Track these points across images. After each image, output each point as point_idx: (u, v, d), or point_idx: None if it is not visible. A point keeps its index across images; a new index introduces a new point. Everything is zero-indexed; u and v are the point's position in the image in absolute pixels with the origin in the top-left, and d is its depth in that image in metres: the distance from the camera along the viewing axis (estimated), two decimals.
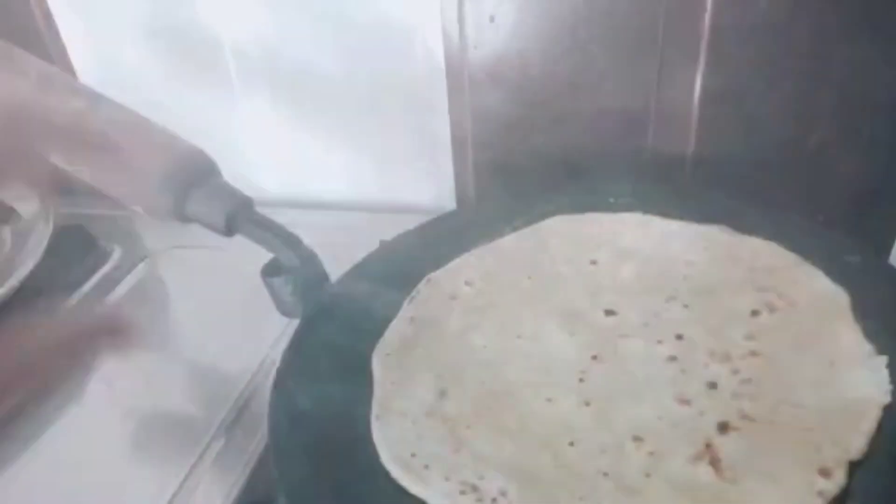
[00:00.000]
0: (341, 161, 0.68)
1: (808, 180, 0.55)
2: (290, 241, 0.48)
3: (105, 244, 0.71)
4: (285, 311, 0.50)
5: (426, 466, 0.38)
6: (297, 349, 0.46)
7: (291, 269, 0.49)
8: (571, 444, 0.39)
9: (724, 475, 0.36)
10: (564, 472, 0.38)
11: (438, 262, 0.53)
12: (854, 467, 0.35)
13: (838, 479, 0.34)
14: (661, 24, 0.52)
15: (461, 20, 0.53)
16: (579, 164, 0.48)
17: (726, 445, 0.37)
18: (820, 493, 0.34)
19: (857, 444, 0.35)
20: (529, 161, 0.50)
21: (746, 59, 0.52)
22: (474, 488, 0.37)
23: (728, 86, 0.53)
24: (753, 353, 0.42)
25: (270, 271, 0.49)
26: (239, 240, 0.48)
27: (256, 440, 0.49)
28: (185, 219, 0.48)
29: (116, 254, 0.70)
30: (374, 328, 0.48)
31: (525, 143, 0.54)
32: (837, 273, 0.45)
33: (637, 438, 0.39)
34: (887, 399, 0.37)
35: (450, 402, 0.43)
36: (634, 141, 0.50)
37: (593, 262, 0.52)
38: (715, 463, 0.36)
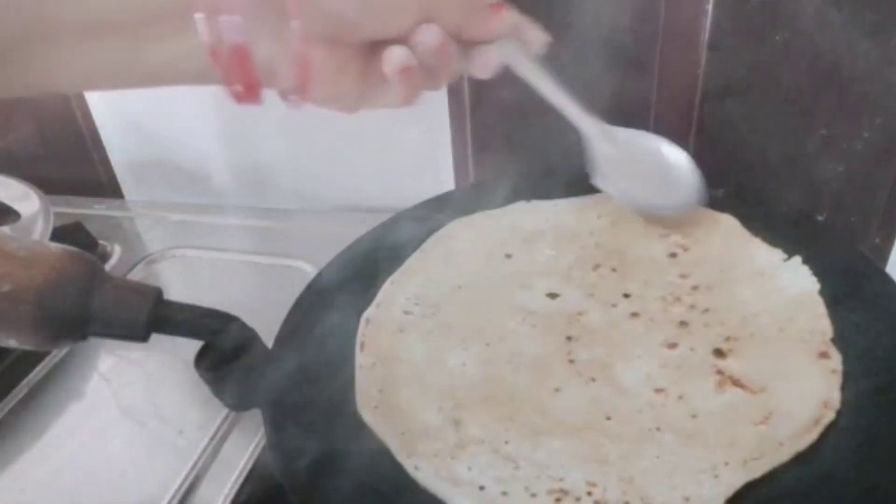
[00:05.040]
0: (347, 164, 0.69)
1: (809, 180, 0.58)
2: (219, 326, 0.41)
3: (105, 244, 0.72)
4: (233, 406, 0.42)
5: (504, 493, 0.36)
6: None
7: (225, 355, 0.41)
8: (608, 418, 0.40)
9: (751, 389, 0.40)
10: (624, 444, 0.38)
11: (365, 296, 0.50)
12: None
13: (837, 356, 0.40)
14: (661, 24, 0.53)
15: None
16: (580, 164, 0.48)
17: (732, 366, 0.41)
18: (833, 371, 0.39)
19: (826, 325, 0.42)
20: (530, 161, 0.49)
21: (746, 59, 0.54)
22: (564, 492, 0.36)
23: (728, 86, 0.55)
24: (695, 288, 0.48)
25: (204, 362, 0.41)
26: (237, 240, 0.52)
27: (256, 440, 0.50)
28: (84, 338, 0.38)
29: (116, 254, 0.71)
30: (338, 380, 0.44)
31: (525, 144, 0.53)
32: (715, 205, 0.53)
33: (658, 390, 0.41)
34: (818, 286, 0.45)
35: (471, 428, 0.40)
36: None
37: (508, 256, 0.53)
38: (737, 382, 0.40)
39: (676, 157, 0.48)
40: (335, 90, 0.37)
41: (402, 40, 0.36)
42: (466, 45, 0.38)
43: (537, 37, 0.41)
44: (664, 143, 0.48)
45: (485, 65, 0.39)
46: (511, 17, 0.40)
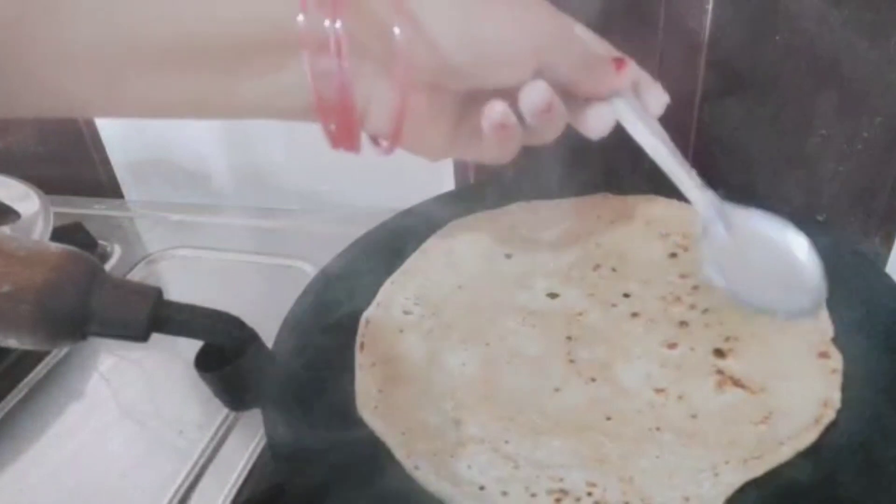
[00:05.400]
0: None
1: (808, 180, 0.57)
2: (219, 326, 0.41)
3: (105, 244, 0.72)
4: (232, 406, 0.42)
5: (504, 493, 0.36)
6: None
7: (225, 355, 0.41)
8: (609, 418, 0.40)
9: (751, 389, 0.40)
10: (624, 444, 0.38)
11: (365, 297, 0.50)
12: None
13: (837, 356, 0.40)
14: (662, 24, 0.52)
15: None
16: (580, 163, 0.48)
17: (733, 366, 0.41)
18: (833, 371, 0.39)
19: (826, 325, 0.42)
20: (528, 160, 0.49)
21: (746, 59, 0.53)
22: (564, 492, 0.36)
23: (728, 86, 0.54)
24: (695, 288, 0.47)
25: (204, 362, 0.41)
26: (237, 240, 0.52)
27: (256, 440, 0.50)
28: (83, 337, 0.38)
29: (116, 254, 0.71)
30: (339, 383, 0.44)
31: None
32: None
33: (658, 390, 0.41)
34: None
35: (471, 428, 0.40)
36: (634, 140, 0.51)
37: (508, 256, 0.53)
38: (737, 383, 0.40)
39: (800, 250, 0.41)
40: (426, 137, 0.35)
41: (506, 93, 0.33)
42: (575, 98, 0.35)
43: (658, 97, 0.38)
44: (789, 230, 0.41)
45: (598, 126, 0.36)
46: (633, 74, 0.37)
